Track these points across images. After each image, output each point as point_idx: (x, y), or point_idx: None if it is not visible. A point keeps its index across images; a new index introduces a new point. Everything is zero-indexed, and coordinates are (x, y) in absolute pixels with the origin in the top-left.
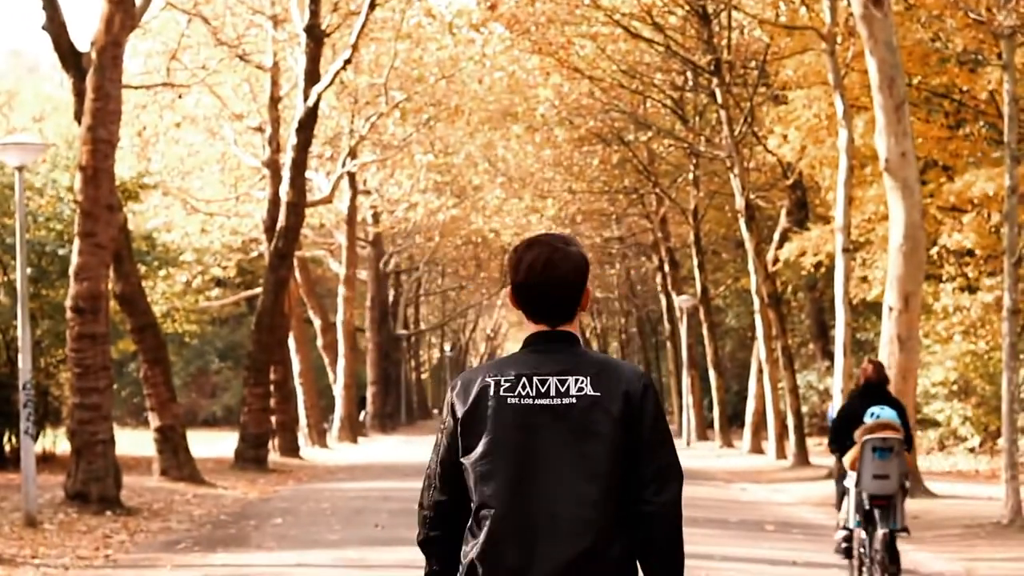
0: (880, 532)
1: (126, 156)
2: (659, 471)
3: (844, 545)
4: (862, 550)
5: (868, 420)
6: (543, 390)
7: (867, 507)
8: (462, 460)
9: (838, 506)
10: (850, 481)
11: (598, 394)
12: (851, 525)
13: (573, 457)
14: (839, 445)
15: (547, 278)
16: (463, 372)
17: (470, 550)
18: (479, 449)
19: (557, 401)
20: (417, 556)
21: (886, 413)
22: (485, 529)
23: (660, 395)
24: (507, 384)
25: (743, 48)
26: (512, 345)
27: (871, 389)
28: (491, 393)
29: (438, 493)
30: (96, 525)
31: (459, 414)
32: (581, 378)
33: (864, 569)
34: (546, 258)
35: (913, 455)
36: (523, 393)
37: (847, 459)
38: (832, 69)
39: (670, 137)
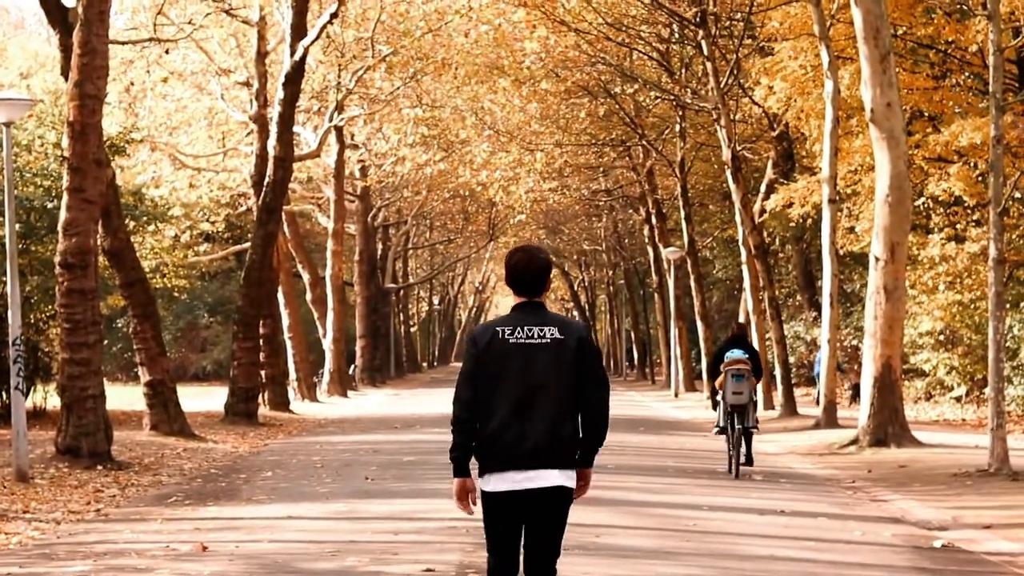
0: (738, 427)
1: (114, 112)
2: (595, 382)
3: (721, 433)
4: (728, 442)
5: (728, 356)
6: (530, 334)
7: (729, 411)
8: (482, 373)
9: (714, 408)
10: (720, 395)
11: (562, 337)
12: (722, 423)
13: (550, 372)
14: (713, 373)
15: (525, 271)
16: (478, 326)
17: (487, 429)
18: (494, 368)
19: (539, 340)
20: (405, 509)
21: (738, 354)
22: (498, 415)
23: (648, 346)
24: (508, 331)
25: (728, 0)
26: (500, 297)
27: (734, 339)
28: (499, 337)
29: (467, 391)
30: (87, 480)
31: (480, 346)
32: (551, 327)
33: (729, 456)
34: (526, 260)
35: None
36: (519, 336)
37: (717, 382)
38: (818, 20)
39: (656, 89)
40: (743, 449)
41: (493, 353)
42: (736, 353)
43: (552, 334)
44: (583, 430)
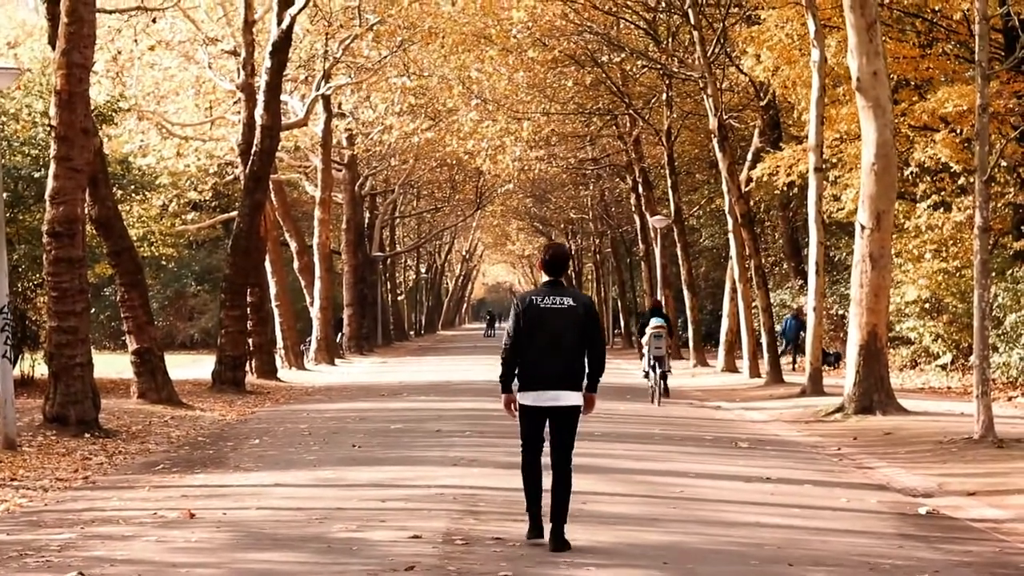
0: (658, 371)
1: (101, 81)
2: (596, 335)
3: (645, 377)
4: (651, 382)
5: (651, 323)
6: (553, 301)
7: (652, 361)
8: (522, 326)
9: (641, 358)
10: (646, 350)
11: (575, 304)
12: (647, 368)
13: (566, 327)
14: (641, 334)
15: (554, 259)
16: (521, 294)
17: (525, 362)
18: (530, 323)
19: (559, 306)
20: (392, 476)
21: (659, 321)
22: (532, 353)
23: (635, 314)
24: (539, 299)
25: None
26: (487, 266)
27: (653, 310)
28: (534, 303)
29: (511, 338)
30: (75, 447)
31: (521, 309)
32: (568, 298)
33: (653, 390)
34: (554, 252)
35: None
36: (547, 303)
37: (644, 340)
38: None
39: (643, 58)
40: (663, 386)
41: (530, 313)
42: (657, 320)
43: (568, 302)
44: (588, 366)
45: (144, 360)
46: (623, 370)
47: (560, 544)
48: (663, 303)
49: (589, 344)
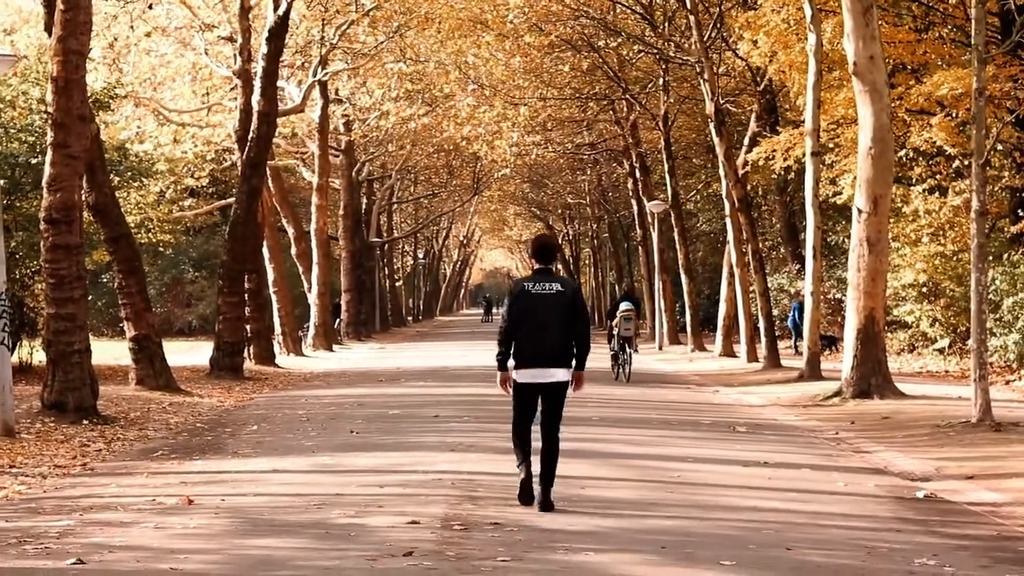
0: (628, 352)
1: (98, 68)
2: (582, 318)
3: (612, 357)
4: (619, 361)
5: (622, 306)
6: (543, 288)
7: (621, 341)
8: (515, 312)
9: (609, 340)
10: (616, 331)
11: (563, 290)
12: (616, 349)
13: (554, 311)
14: (612, 316)
15: (542, 248)
16: (515, 281)
17: (519, 343)
18: (523, 307)
19: (548, 292)
20: (390, 462)
21: (628, 304)
22: (525, 335)
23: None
24: (531, 285)
25: None
26: (484, 251)
27: (625, 295)
28: (526, 289)
29: (507, 321)
30: (73, 434)
31: (515, 294)
32: (556, 284)
33: (620, 370)
34: (541, 242)
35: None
36: (537, 289)
37: (615, 321)
38: None
39: (640, 43)
40: (630, 366)
41: (522, 298)
42: (627, 304)
43: (556, 288)
44: (575, 347)
45: (142, 347)
46: None
47: (547, 506)
48: (634, 287)
49: (575, 326)
